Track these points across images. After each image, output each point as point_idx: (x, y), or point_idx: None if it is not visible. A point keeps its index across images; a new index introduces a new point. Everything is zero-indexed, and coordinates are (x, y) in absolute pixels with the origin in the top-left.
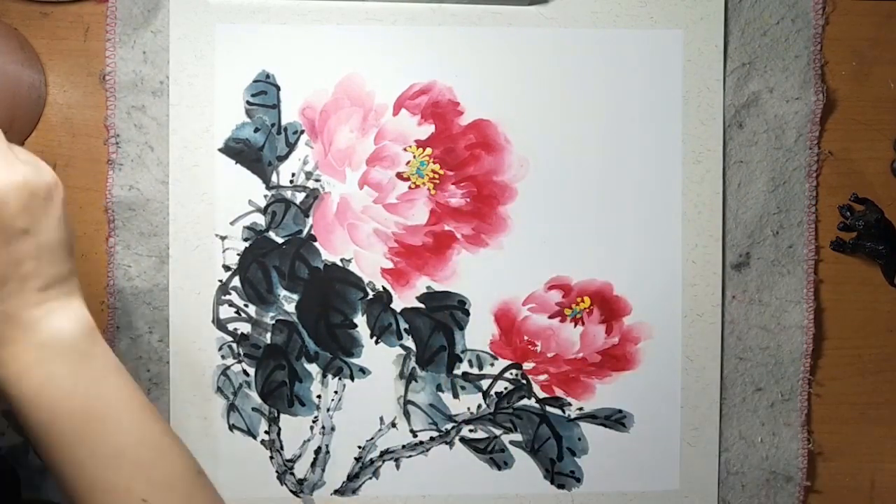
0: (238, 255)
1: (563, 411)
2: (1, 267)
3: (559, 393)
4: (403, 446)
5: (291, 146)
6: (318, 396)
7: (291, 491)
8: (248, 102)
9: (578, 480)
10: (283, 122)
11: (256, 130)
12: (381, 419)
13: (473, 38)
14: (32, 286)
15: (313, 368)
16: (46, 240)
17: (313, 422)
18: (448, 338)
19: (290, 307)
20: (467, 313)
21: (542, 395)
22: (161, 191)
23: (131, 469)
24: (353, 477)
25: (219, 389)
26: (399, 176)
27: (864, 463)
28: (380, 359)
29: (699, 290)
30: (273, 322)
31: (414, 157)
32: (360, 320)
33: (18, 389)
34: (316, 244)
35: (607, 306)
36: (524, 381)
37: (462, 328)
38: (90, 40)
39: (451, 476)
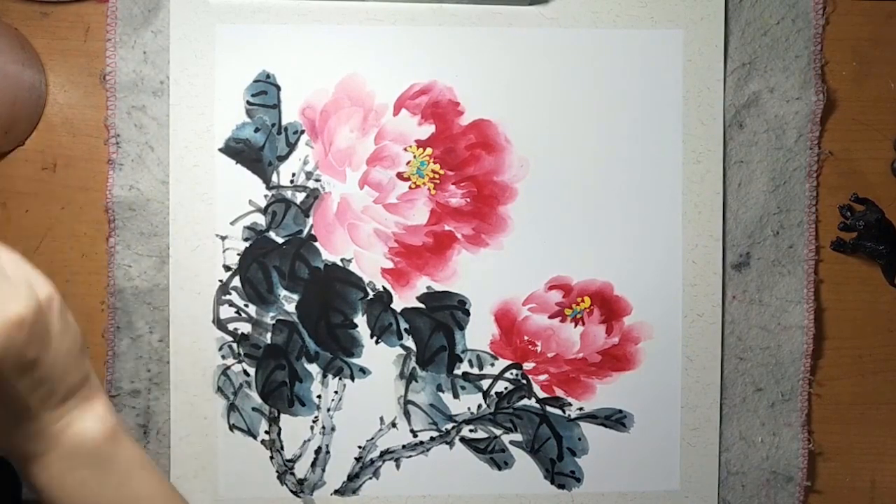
0: (238, 255)
1: (564, 411)
2: (20, 398)
3: (559, 393)
4: (404, 446)
5: (292, 146)
6: (319, 396)
7: (292, 491)
8: (248, 102)
9: (578, 480)
10: (284, 122)
11: (257, 130)
12: (382, 419)
13: (474, 38)
14: (51, 403)
15: (313, 368)
16: (55, 358)
17: (313, 422)
18: (448, 338)
19: (291, 307)
20: (467, 313)
21: (542, 395)
22: (161, 191)
23: None
24: (353, 477)
25: (219, 389)
26: (399, 176)
27: (864, 463)
28: (380, 359)
29: (699, 290)
30: (273, 322)
31: (414, 157)
32: (361, 320)
33: (50, 496)
34: (316, 244)
35: (607, 306)
36: (524, 381)
37: (462, 328)
38: (90, 40)
39: (452, 476)
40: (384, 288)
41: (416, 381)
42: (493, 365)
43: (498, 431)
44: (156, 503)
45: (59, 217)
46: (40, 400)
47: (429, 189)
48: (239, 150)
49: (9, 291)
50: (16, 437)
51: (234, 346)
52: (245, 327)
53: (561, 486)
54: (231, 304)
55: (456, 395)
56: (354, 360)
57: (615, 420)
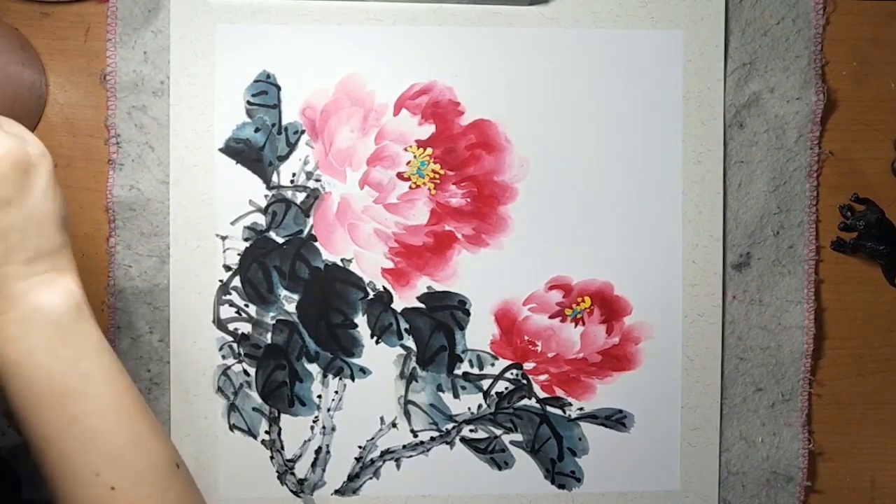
0: (238, 254)
1: (564, 411)
2: None
3: (560, 393)
4: (404, 446)
5: (292, 146)
6: (319, 396)
7: (292, 491)
8: (248, 102)
9: (579, 480)
10: (284, 122)
11: (257, 130)
12: (382, 419)
13: (474, 38)
14: (18, 258)
15: (314, 368)
16: (32, 212)
17: (314, 422)
18: (448, 338)
19: (291, 307)
20: (468, 313)
21: (542, 395)
22: (162, 191)
23: (103, 454)
24: (353, 477)
25: (219, 389)
26: (399, 176)
27: (864, 463)
28: (380, 359)
29: (700, 290)
30: (273, 322)
31: (414, 157)
32: (361, 320)
33: (0, 363)
34: (316, 244)
35: (608, 306)
36: (525, 382)
37: (462, 328)
38: (91, 40)
39: (452, 476)
40: (384, 288)
41: (417, 381)
42: (493, 365)
43: (498, 431)
44: (109, 386)
45: None
46: (7, 250)
47: (429, 189)
48: (239, 150)
49: (3, 136)
50: None
51: (235, 346)
52: (245, 327)
53: (561, 486)
54: (231, 304)
55: (456, 395)
56: (355, 360)
57: (615, 420)
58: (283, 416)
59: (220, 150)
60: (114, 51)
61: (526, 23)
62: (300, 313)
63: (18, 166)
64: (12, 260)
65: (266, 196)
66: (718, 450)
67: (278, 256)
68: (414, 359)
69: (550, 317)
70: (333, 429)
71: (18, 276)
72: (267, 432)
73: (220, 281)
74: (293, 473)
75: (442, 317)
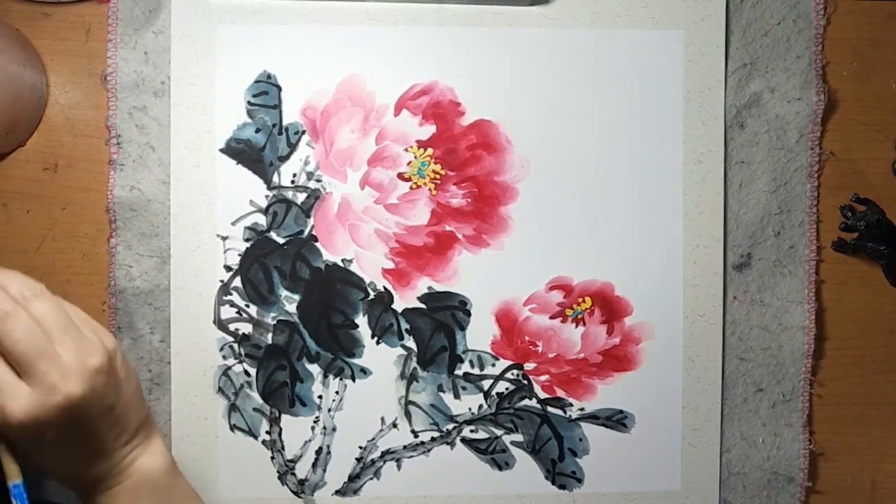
0: (239, 255)
1: (565, 412)
2: (100, 438)
3: (560, 393)
4: (404, 447)
5: (293, 146)
6: (320, 397)
7: (292, 491)
8: (249, 103)
9: (579, 481)
10: (285, 123)
11: (258, 131)
12: (383, 419)
13: (475, 38)
14: (123, 440)
15: (314, 369)
16: (124, 401)
17: (314, 422)
18: (449, 338)
19: (292, 307)
20: (468, 314)
21: (543, 395)
22: (162, 191)
23: None
24: (354, 477)
25: (220, 390)
26: (400, 176)
27: (865, 463)
28: (381, 359)
29: (700, 291)
30: (274, 322)
31: (415, 157)
32: (362, 321)
33: None
34: (317, 244)
35: (608, 307)
36: (525, 382)
37: (463, 328)
38: (91, 41)
39: (452, 476)
40: (385, 288)
41: (417, 382)
42: (493, 365)
43: (499, 432)
44: None
45: (60, 217)
46: (114, 438)
47: (430, 189)
48: (240, 151)
49: (88, 346)
50: (92, 472)
51: (235, 346)
52: (246, 327)
53: (562, 487)
54: (232, 304)
55: (457, 396)
56: (355, 361)
57: (616, 420)
58: (284, 417)
59: (221, 150)
60: (114, 51)
61: (526, 23)
62: (301, 314)
63: (110, 364)
64: (118, 443)
65: (267, 196)
66: (719, 450)
67: (279, 257)
68: (414, 359)
69: (551, 317)
70: (334, 429)
71: (124, 454)
72: (268, 432)
73: (221, 281)
74: (294, 474)
75: (442, 317)
